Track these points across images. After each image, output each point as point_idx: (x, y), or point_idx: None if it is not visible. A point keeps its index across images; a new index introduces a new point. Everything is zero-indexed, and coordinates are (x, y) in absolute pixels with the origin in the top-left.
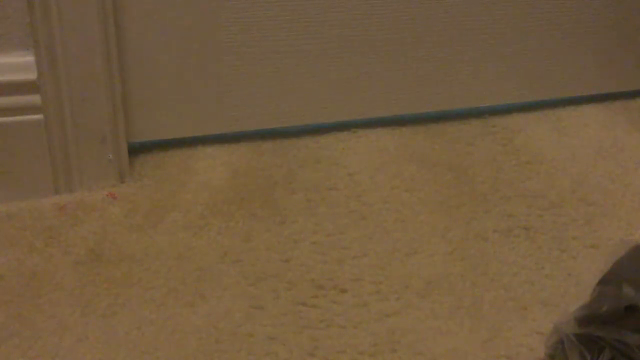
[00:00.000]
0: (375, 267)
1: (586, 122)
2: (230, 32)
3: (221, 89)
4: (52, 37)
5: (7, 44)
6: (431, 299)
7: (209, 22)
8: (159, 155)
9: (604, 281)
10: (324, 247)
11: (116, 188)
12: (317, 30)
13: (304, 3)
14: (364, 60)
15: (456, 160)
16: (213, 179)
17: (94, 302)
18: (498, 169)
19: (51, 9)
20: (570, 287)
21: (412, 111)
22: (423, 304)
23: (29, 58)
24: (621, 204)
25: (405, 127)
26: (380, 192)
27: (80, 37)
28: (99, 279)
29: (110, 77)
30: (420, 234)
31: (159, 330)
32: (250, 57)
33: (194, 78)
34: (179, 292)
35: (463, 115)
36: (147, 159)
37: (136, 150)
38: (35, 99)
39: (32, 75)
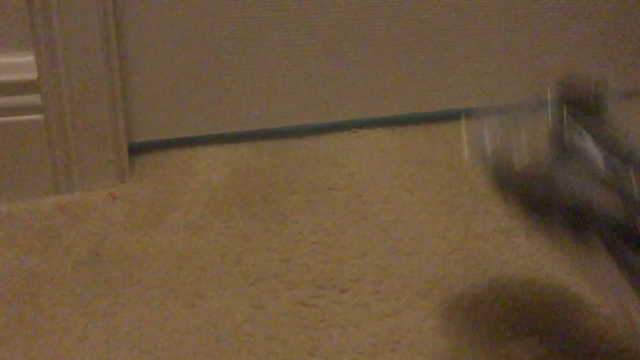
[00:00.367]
0: (375, 267)
1: None
2: (231, 32)
3: (221, 89)
4: (52, 37)
5: (7, 44)
6: (431, 299)
7: (209, 22)
8: (159, 155)
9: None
10: (324, 247)
11: (116, 188)
12: (317, 30)
13: (304, 3)
14: (364, 60)
15: (456, 160)
16: (213, 179)
17: (94, 302)
18: None
19: (51, 9)
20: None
21: (412, 111)
22: (423, 304)
23: (29, 58)
24: None
25: (405, 127)
26: (380, 192)
27: (80, 37)
28: (99, 279)
29: (110, 77)
30: (420, 234)
31: (159, 330)
32: (250, 57)
33: (194, 78)
34: (178, 292)
35: None
36: (148, 159)
37: (136, 150)
38: (35, 98)
39: (32, 75)
